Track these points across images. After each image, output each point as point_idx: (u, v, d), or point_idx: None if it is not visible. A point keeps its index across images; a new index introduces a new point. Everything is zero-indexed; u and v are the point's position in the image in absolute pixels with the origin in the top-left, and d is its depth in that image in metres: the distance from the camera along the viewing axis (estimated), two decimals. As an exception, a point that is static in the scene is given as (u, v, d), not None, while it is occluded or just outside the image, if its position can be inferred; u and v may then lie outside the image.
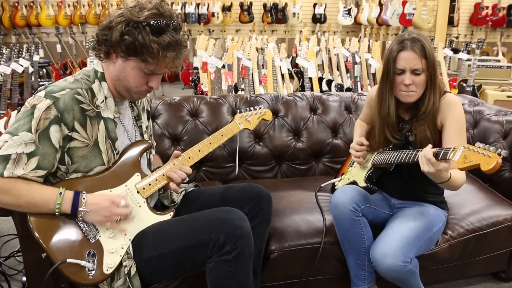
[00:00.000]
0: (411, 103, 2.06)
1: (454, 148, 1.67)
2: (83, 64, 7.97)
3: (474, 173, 2.75)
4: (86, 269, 1.64)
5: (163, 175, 1.86)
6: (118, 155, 1.79)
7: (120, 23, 1.61)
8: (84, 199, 1.65)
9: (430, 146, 1.78)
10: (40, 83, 6.02)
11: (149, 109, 2.11)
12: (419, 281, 2.03)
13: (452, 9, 8.28)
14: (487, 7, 8.91)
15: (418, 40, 1.95)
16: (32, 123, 1.58)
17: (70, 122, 1.63)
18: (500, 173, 2.60)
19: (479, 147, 1.60)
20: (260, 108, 2.25)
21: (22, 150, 1.57)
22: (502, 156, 1.54)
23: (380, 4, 8.60)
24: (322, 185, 2.52)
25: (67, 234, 1.66)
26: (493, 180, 2.66)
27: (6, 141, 1.57)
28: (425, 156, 1.76)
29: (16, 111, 4.84)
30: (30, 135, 1.58)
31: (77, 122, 1.65)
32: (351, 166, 2.43)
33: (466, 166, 1.60)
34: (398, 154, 1.99)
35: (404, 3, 7.93)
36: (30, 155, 1.58)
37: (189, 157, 1.94)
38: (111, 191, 1.75)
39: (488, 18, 8.91)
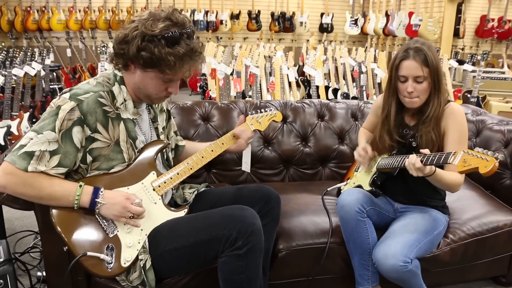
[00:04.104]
0: (415, 108, 2.15)
1: (455, 152, 1.76)
2: (92, 69, 8.08)
3: (476, 180, 2.83)
4: (105, 262, 1.72)
5: (178, 174, 1.95)
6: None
7: (136, 37, 1.68)
8: (102, 192, 1.74)
9: (414, 155, 1.92)
10: (51, 86, 6.13)
11: (168, 108, 2.20)
12: (421, 282, 2.10)
13: (458, 21, 8.36)
14: (493, 20, 8.98)
15: (421, 50, 2.06)
16: (56, 123, 1.67)
17: (92, 124, 1.72)
18: (501, 180, 2.67)
19: (478, 151, 1.69)
20: (270, 110, 2.33)
21: (45, 148, 1.66)
22: (499, 159, 1.63)
23: (387, 15, 8.69)
24: (328, 189, 2.59)
25: (87, 229, 1.74)
26: (494, 187, 2.73)
27: (32, 139, 1.66)
28: (412, 164, 1.91)
29: (28, 113, 4.95)
30: (53, 134, 1.67)
31: (100, 124, 1.74)
32: (357, 171, 2.51)
33: (466, 169, 1.69)
34: (402, 159, 2.07)
35: (410, 14, 8.01)
36: (52, 153, 1.67)
37: (202, 157, 2.03)
38: (128, 188, 1.84)
39: (494, 31, 8.98)
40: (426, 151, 1.91)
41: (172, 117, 2.26)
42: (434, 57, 2.07)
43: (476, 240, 2.32)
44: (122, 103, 1.83)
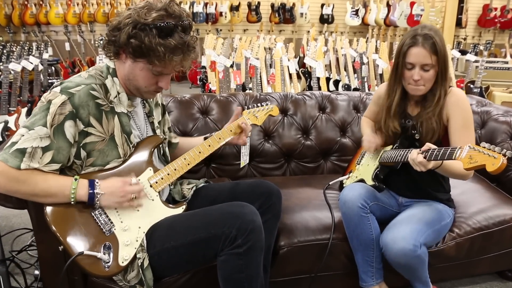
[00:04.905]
0: (419, 96, 2.09)
1: (460, 148, 1.70)
2: (91, 62, 8.03)
3: (481, 173, 2.77)
4: (102, 261, 1.67)
5: (175, 170, 1.89)
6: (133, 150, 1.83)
7: (127, 25, 1.63)
8: (97, 183, 1.69)
9: (416, 150, 1.89)
10: (49, 81, 6.07)
11: (163, 103, 2.14)
12: (427, 273, 2.06)
13: (460, 10, 8.27)
14: (495, 9, 8.90)
15: (430, 37, 1.99)
16: (47, 118, 1.62)
17: (85, 118, 1.67)
18: (507, 173, 2.62)
19: (484, 147, 1.63)
20: (267, 104, 2.28)
21: (37, 144, 1.61)
22: (507, 157, 1.57)
23: (388, 5, 8.61)
24: (330, 183, 2.54)
25: (83, 227, 1.69)
26: (500, 180, 2.68)
27: (23, 135, 1.61)
28: (413, 160, 1.89)
29: (26, 108, 4.90)
30: (45, 129, 1.62)
31: (93, 117, 1.69)
32: (359, 164, 2.46)
33: (472, 167, 1.63)
34: (404, 153, 2.02)
35: (412, 4, 7.93)
36: (45, 149, 1.62)
37: (200, 152, 1.98)
38: (124, 185, 1.78)
39: (496, 20, 8.90)
40: (428, 146, 1.86)
41: (166, 112, 2.19)
42: (442, 44, 2.01)
43: (482, 234, 2.27)
44: (116, 96, 1.78)
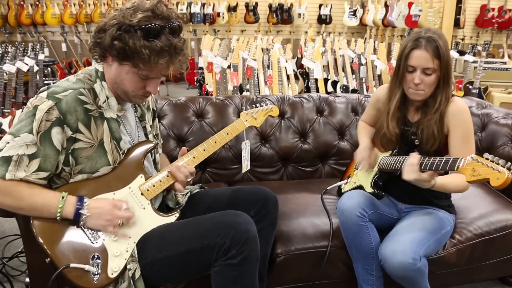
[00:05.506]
0: (419, 101, 2.04)
1: (462, 158, 1.65)
2: (88, 63, 7.98)
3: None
4: (91, 273, 1.61)
5: (168, 176, 1.83)
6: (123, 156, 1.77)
7: (112, 26, 1.56)
8: (86, 203, 1.63)
9: (416, 153, 1.86)
10: (45, 82, 6.01)
11: (154, 108, 2.08)
12: (427, 283, 2.00)
13: (458, 11, 8.23)
14: (493, 9, 8.87)
15: (434, 40, 1.93)
16: (33, 124, 1.56)
17: (73, 124, 1.61)
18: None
19: (487, 159, 1.56)
20: (266, 105, 2.22)
21: (23, 151, 1.55)
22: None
23: (386, 6, 8.57)
24: (328, 188, 2.49)
25: (71, 238, 1.63)
26: (501, 184, 2.62)
27: (8, 142, 1.56)
28: (410, 163, 1.83)
29: (20, 110, 4.84)
30: (31, 136, 1.56)
31: (81, 123, 1.63)
32: (357, 169, 2.40)
33: (475, 180, 1.57)
34: (404, 159, 1.97)
35: (410, 5, 7.89)
36: (31, 157, 1.56)
37: (194, 157, 1.92)
38: (114, 193, 1.72)
39: (494, 20, 8.87)
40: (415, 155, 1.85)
41: (156, 118, 2.11)
42: (446, 49, 1.95)
43: (483, 240, 2.23)
44: (105, 101, 1.71)
